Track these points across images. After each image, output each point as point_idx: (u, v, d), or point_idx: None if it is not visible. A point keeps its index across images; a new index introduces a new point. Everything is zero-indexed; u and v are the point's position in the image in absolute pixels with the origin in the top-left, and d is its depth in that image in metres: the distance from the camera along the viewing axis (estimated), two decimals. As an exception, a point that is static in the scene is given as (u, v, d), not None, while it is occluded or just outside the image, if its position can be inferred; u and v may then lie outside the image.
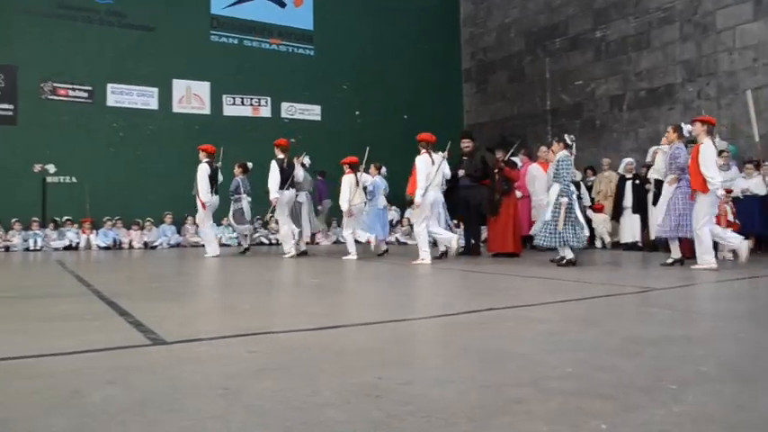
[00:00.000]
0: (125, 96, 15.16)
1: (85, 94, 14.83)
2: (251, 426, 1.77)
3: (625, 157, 11.92)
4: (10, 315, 4.09)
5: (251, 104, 16.59)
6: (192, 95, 15.89)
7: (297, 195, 10.66)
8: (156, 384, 2.18)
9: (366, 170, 10.51)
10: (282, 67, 16.93)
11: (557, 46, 15.81)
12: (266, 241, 14.76)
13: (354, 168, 10.27)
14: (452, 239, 8.76)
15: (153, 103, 15.46)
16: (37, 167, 11.95)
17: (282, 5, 17.42)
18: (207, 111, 16.01)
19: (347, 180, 10.15)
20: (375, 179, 10.51)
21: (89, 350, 2.79)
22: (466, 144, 10.25)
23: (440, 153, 9.03)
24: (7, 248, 12.58)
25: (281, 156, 10.34)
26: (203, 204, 10.42)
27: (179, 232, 14.41)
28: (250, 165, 11.63)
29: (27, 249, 12.47)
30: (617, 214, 11.33)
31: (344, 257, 9.53)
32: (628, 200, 11.11)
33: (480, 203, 9.86)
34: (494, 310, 4.04)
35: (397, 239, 14.69)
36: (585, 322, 3.60)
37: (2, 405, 1.94)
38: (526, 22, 16.87)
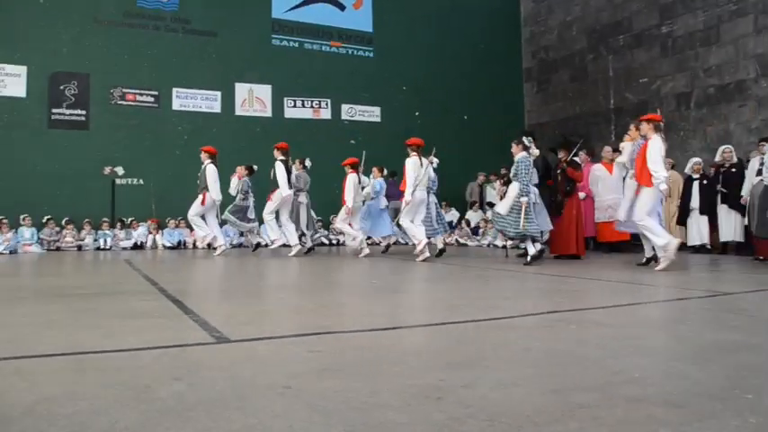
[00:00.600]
0: (189, 100, 15.55)
1: (152, 99, 15.28)
2: (313, 425, 1.78)
3: (692, 157, 11.54)
4: (83, 311, 4.23)
5: (311, 107, 16.76)
6: (254, 98, 16.17)
7: (297, 196, 11.21)
8: (221, 382, 2.22)
9: (366, 173, 11.20)
10: (342, 69, 17.05)
11: (620, 43, 15.44)
12: (326, 241, 14.88)
13: (356, 168, 10.93)
14: (423, 239, 9.41)
15: (216, 107, 15.81)
16: (106, 170, 12.39)
17: (342, 8, 17.55)
18: (269, 113, 16.26)
19: (351, 179, 10.77)
20: (378, 180, 11.28)
21: (157, 347, 2.86)
22: None
23: (430, 157, 9.82)
24: (79, 248, 13.09)
25: (282, 157, 10.86)
26: (203, 201, 10.98)
27: (241, 234, 14.67)
28: (255, 167, 11.99)
29: (98, 248, 12.92)
30: (683, 216, 10.98)
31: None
32: (695, 201, 10.76)
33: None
34: (557, 313, 3.96)
35: (456, 240, 14.59)
36: (653, 327, 3.50)
37: (79, 396, 2.01)
38: (588, 20, 16.54)
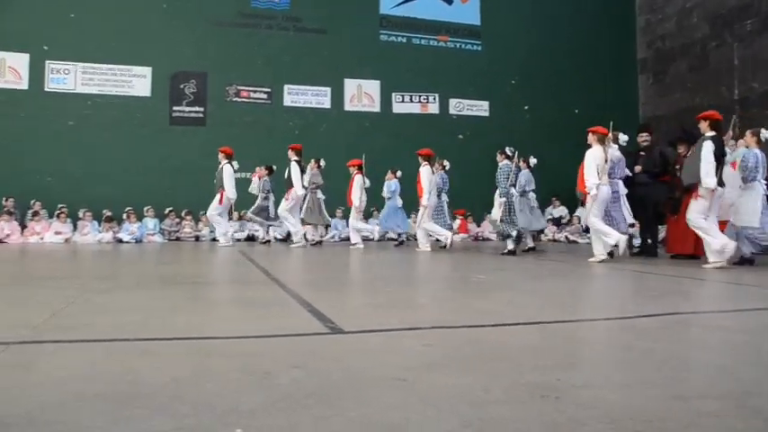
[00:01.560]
0: (300, 96, 15.97)
1: (265, 96, 15.81)
2: (428, 417, 1.78)
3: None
4: (203, 298, 4.44)
5: (419, 101, 16.80)
6: (362, 94, 16.40)
7: (315, 193, 11.96)
8: (337, 371, 2.25)
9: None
10: (450, 63, 16.98)
11: (747, 29, 14.50)
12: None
13: (361, 170, 11.75)
14: (448, 233, 10.65)
15: (326, 102, 16.16)
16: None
17: (449, 2, 17.47)
18: (377, 108, 16.44)
19: (357, 180, 11.60)
20: (393, 181, 11.93)
21: (275, 335, 2.94)
22: (644, 138, 9.65)
23: (441, 161, 11.00)
24: (197, 238, 13.76)
25: (296, 158, 11.57)
26: (221, 200, 11.57)
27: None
28: (274, 167, 12.63)
29: (213, 240, 13.50)
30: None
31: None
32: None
33: (658, 202, 9.23)
34: (675, 315, 3.76)
35: (566, 237, 14.23)
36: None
37: (204, 378, 2.10)
38: (711, 5, 15.64)
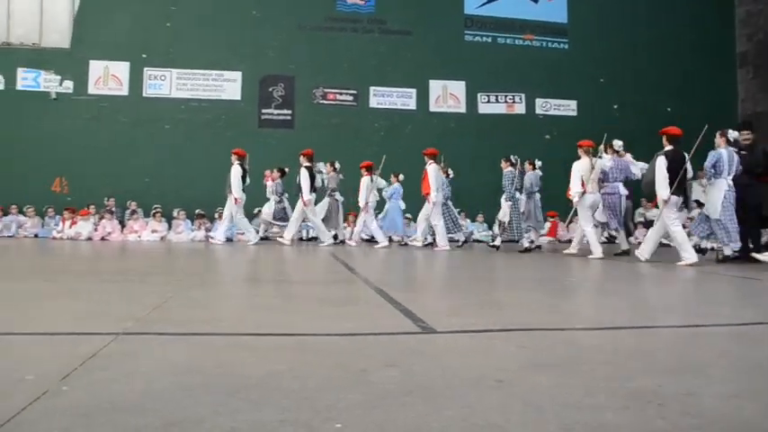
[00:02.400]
0: (386, 98, 16.09)
1: (351, 98, 16.01)
2: (529, 419, 1.74)
3: None
4: (296, 296, 4.53)
5: (505, 101, 16.61)
6: (448, 95, 16.36)
7: (333, 195, 12.40)
8: (432, 371, 2.24)
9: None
10: (536, 62, 16.71)
11: None
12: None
13: (370, 171, 12.12)
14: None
15: (411, 104, 16.20)
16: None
17: (535, 0, 17.17)
18: (462, 109, 16.36)
19: (365, 181, 11.97)
20: (396, 185, 12.50)
21: (369, 333, 2.96)
22: (745, 136, 9.16)
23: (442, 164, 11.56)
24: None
25: (307, 164, 11.95)
26: (236, 200, 11.89)
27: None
28: (287, 169, 13.04)
29: (300, 239, 13.74)
30: None
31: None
32: None
33: (761, 203, 8.74)
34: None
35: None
36: None
37: (303, 374, 2.13)
38: (818, -5, 14.76)
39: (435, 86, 16.36)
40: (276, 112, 15.80)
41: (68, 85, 15.35)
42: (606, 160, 9.79)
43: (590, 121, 15.82)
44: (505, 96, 16.61)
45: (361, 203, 11.96)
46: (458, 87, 16.41)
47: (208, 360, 2.33)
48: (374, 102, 16.09)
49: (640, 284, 6.04)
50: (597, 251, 9.17)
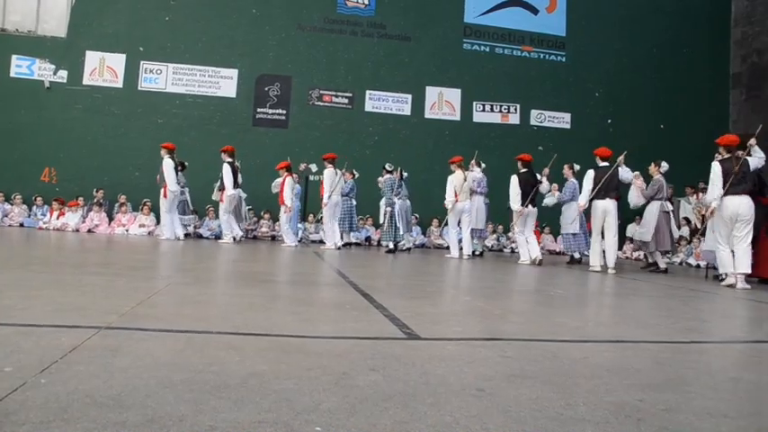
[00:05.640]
0: (381, 102, 16.10)
1: (346, 101, 16.01)
2: (508, 430, 1.75)
3: None
4: (281, 297, 4.52)
5: (500, 111, 16.66)
6: (443, 102, 16.39)
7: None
8: (414, 377, 2.24)
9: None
10: (533, 73, 16.79)
11: None
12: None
13: (290, 171, 12.22)
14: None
15: (406, 109, 16.23)
16: (302, 166, 13.17)
17: (535, 12, 17.26)
18: (457, 117, 16.40)
19: (288, 182, 12.03)
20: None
21: (351, 337, 2.96)
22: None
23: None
24: (273, 237, 14.02)
25: (229, 159, 12.07)
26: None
27: (424, 233, 14.96)
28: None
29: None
30: None
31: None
32: None
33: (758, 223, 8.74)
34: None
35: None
36: None
37: (284, 375, 2.12)
38: (815, 20, 14.89)
39: (431, 93, 16.39)
40: (271, 111, 15.78)
41: (62, 75, 15.25)
42: (477, 173, 11.40)
43: (583, 134, 15.94)
44: (500, 106, 16.66)
45: (287, 203, 11.99)
46: (454, 95, 16.45)
47: (190, 357, 2.32)
48: (369, 105, 16.10)
49: (629, 299, 6.05)
50: (455, 253, 10.87)
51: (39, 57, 15.19)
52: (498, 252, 14.73)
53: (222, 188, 12.10)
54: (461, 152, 11.37)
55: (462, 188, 10.82)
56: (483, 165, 11.79)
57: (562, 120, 16.91)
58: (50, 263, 6.43)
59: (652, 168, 10.39)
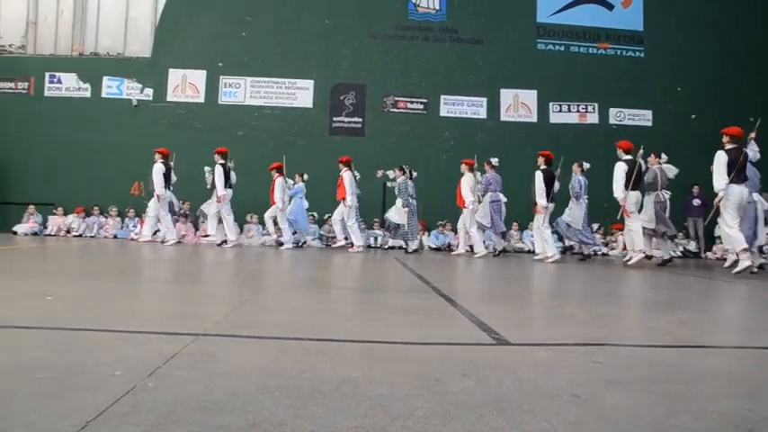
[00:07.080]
0: (456, 107, 16.06)
1: (421, 106, 16.05)
2: (609, 438, 1.71)
3: None
4: (366, 303, 4.57)
5: (577, 111, 16.31)
6: (519, 104, 16.20)
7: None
8: (507, 383, 2.22)
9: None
10: (610, 71, 16.35)
11: None
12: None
13: (281, 172, 12.87)
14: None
15: (482, 113, 16.12)
16: (379, 173, 13.26)
17: (610, 8, 16.83)
18: (533, 119, 16.17)
19: (279, 182, 12.61)
20: (299, 184, 13.10)
21: (441, 343, 2.96)
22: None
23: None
24: (351, 244, 14.09)
25: (222, 161, 12.45)
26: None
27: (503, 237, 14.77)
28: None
29: (369, 246, 13.81)
30: None
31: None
32: None
33: None
34: None
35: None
36: None
37: (377, 381, 2.14)
38: None
39: (506, 95, 16.21)
40: (347, 119, 15.99)
41: (148, 93, 15.97)
42: (494, 174, 11.82)
43: (666, 131, 15.39)
44: (578, 106, 16.30)
45: (279, 204, 12.51)
46: (529, 96, 16.22)
47: (284, 364, 2.37)
48: (444, 110, 16.08)
49: (722, 302, 5.81)
50: (481, 250, 11.57)
51: (126, 77, 15.95)
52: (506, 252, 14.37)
53: (214, 187, 12.57)
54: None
55: (475, 188, 11.70)
56: (495, 163, 11.99)
57: (643, 117, 16.38)
58: (144, 273, 6.72)
59: (651, 160, 10.65)
